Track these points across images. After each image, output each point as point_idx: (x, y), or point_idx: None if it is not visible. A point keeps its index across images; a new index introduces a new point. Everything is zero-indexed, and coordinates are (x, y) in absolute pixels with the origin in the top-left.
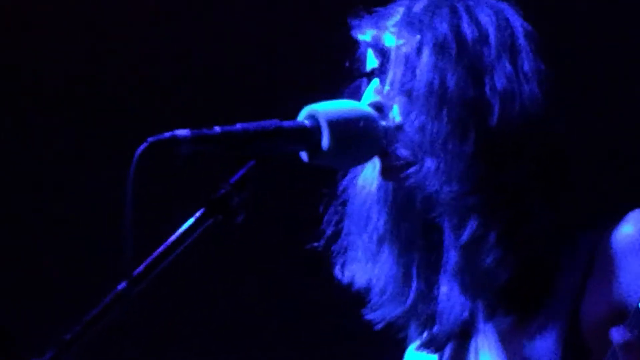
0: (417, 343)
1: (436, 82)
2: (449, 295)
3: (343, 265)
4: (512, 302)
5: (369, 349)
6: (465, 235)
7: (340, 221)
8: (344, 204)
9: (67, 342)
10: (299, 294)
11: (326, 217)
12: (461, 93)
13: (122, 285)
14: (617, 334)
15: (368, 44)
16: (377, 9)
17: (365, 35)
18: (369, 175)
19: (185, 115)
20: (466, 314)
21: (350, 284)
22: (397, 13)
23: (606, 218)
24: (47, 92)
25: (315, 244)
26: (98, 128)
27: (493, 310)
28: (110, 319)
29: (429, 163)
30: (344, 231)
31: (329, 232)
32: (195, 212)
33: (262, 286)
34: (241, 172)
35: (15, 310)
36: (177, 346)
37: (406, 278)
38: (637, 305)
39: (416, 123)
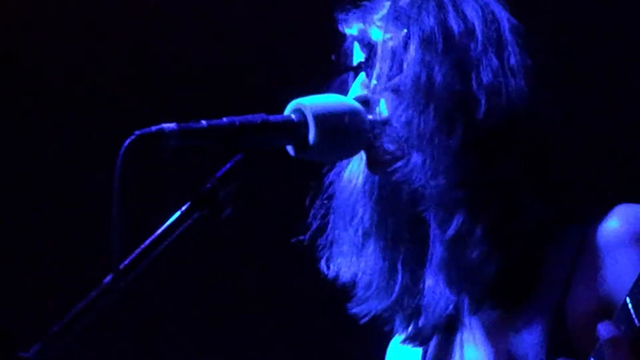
0: (401, 336)
1: (423, 76)
2: (434, 288)
3: (328, 260)
4: (498, 296)
5: (353, 343)
6: (452, 230)
7: (326, 215)
8: (330, 197)
9: (54, 335)
10: (287, 287)
11: (312, 211)
12: (448, 87)
13: (109, 278)
14: (604, 330)
15: (355, 38)
16: (363, 2)
17: (351, 29)
18: (355, 169)
19: (182, 112)
20: (451, 307)
21: (336, 278)
22: (384, 7)
23: (593, 211)
24: (43, 90)
25: (301, 238)
26: (88, 123)
27: (478, 304)
28: (96, 312)
29: (416, 157)
30: (330, 225)
31: (314, 226)
32: (182, 206)
33: (250, 280)
34: (228, 165)
35: (1, 304)
36: (164, 340)
37: (392, 272)
38: (625, 300)
39: (403, 118)
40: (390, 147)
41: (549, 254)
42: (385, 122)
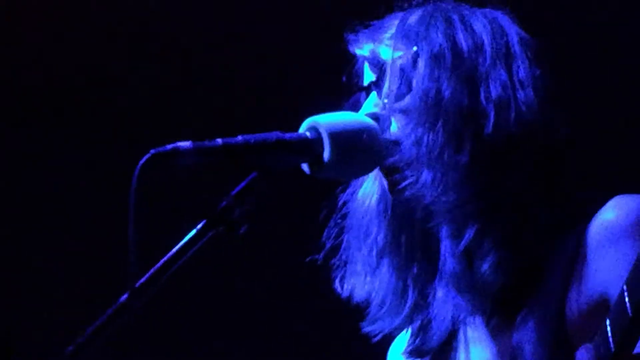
0: (402, 343)
1: (431, 93)
2: (445, 300)
3: (342, 279)
4: (505, 299)
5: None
6: (463, 243)
7: (339, 235)
8: (343, 217)
9: (70, 354)
10: (301, 305)
11: (326, 231)
12: (456, 103)
13: (125, 296)
14: (581, 355)
15: (365, 58)
16: (373, 22)
17: (362, 49)
18: (369, 189)
19: (191, 124)
20: (461, 316)
21: (350, 297)
22: (393, 26)
23: (592, 211)
24: (59, 106)
25: (315, 257)
26: (104, 137)
27: (487, 312)
28: (113, 330)
29: (426, 175)
30: (344, 245)
31: (328, 245)
32: (198, 223)
33: (264, 297)
34: (243, 183)
35: (19, 320)
36: (180, 358)
37: (403, 290)
38: (621, 290)
39: (412, 136)
40: (402, 165)
41: (552, 257)
42: (396, 142)
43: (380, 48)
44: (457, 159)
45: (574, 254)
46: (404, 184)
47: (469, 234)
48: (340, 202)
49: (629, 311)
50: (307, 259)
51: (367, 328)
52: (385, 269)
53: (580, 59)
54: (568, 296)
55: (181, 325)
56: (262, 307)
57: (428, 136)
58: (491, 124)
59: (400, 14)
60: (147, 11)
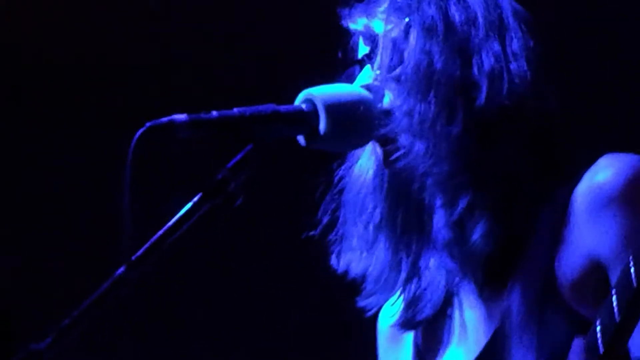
0: (391, 313)
1: (423, 64)
2: (437, 269)
3: (338, 254)
4: (496, 267)
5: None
6: (456, 214)
7: (336, 210)
8: (340, 192)
9: (67, 327)
10: (296, 280)
11: (322, 206)
12: (448, 74)
13: (121, 269)
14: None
15: (359, 32)
16: None
17: (355, 23)
18: (364, 164)
19: (192, 103)
20: (454, 281)
21: (346, 273)
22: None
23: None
24: (51, 81)
25: (312, 233)
26: (99, 114)
27: (478, 279)
28: (109, 303)
29: (419, 145)
30: (340, 220)
31: (325, 220)
32: (193, 196)
33: (259, 271)
34: (238, 156)
35: (15, 295)
36: (175, 332)
37: (398, 263)
38: (610, 294)
39: (404, 106)
40: (396, 135)
41: (539, 221)
42: (389, 112)
43: (374, 22)
44: (449, 129)
45: (562, 216)
46: (396, 154)
47: (461, 204)
48: (337, 178)
49: (634, 282)
50: (303, 235)
51: (362, 302)
52: (381, 243)
53: (577, 37)
54: (557, 258)
55: (177, 302)
56: (258, 284)
57: (420, 106)
58: (483, 95)
59: None
60: (145, 8)
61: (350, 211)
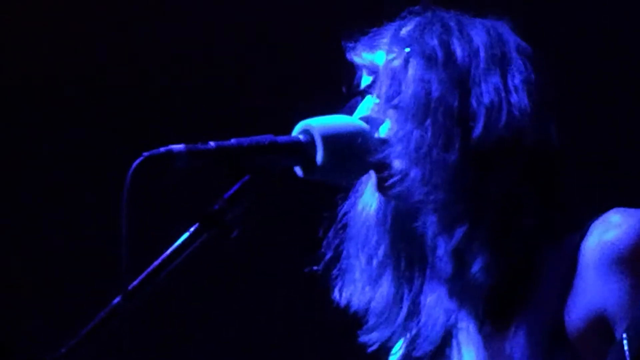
0: (397, 355)
1: (421, 92)
2: (436, 303)
3: (341, 288)
4: (497, 304)
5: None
6: (452, 243)
7: (339, 245)
8: (344, 227)
9: (63, 356)
10: (295, 310)
11: (326, 241)
12: (446, 103)
13: (117, 299)
14: None
15: (362, 65)
16: (371, 30)
17: (359, 57)
18: (368, 198)
19: (183, 124)
20: (452, 319)
21: (347, 306)
22: (390, 32)
23: (587, 219)
24: (54, 106)
25: (315, 268)
26: (94, 139)
27: (479, 314)
28: (105, 332)
29: (414, 171)
30: (343, 254)
31: (328, 255)
32: (190, 226)
33: (257, 301)
34: (235, 187)
35: (11, 323)
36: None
37: (400, 298)
38: (621, 338)
39: (401, 133)
40: (393, 164)
41: (546, 263)
42: (387, 140)
43: (377, 53)
44: (445, 157)
45: (572, 266)
46: (391, 180)
47: (458, 234)
48: (340, 213)
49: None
50: (306, 270)
51: (364, 337)
52: (384, 278)
53: (580, 68)
54: (566, 306)
55: (172, 330)
56: (255, 312)
57: (416, 133)
58: (481, 125)
59: (399, 21)
60: (145, 10)
61: (353, 245)
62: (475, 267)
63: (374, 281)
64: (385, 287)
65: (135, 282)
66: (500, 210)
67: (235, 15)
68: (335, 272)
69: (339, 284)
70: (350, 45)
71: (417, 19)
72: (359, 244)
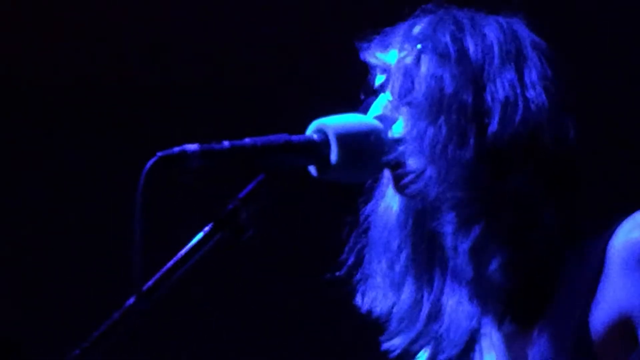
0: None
1: (434, 89)
2: (457, 307)
3: (363, 293)
4: (519, 307)
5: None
6: (469, 241)
7: (361, 249)
8: (365, 231)
9: (77, 357)
10: (308, 309)
11: (348, 245)
12: (460, 100)
13: (132, 300)
14: None
15: (376, 64)
16: (384, 29)
17: (372, 56)
18: (389, 201)
19: (196, 125)
20: (474, 323)
21: (369, 312)
22: (402, 30)
23: (615, 223)
24: (66, 108)
25: (337, 273)
26: (109, 140)
27: (500, 316)
28: (119, 334)
29: (430, 169)
30: (365, 259)
31: (350, 260)
32: (204, 227)
33: (272, 300)
34: (250, 186)
35: (25, 325)
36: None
37: (420, 301)
38: None
39: (415, 131)
40: (408, 162)
41: (569, 266)
42: (399, 140)
43: (389, 53)
44: (460, 154)
45: (598, 269)
46: (407, 179)
47: (475, 232)
48: (362, 217)
49: None
50: (328, 276)
51: (387, 344)
52: (406, 283)
53: (597, 66)
54: (592, 311)
55: (187, 331)
56: (269, 311)
57: (430, 130)
58: (496, 121)
59: (412, 20)
60: (151, 11)
61: (375, 250)
62: (493, 267)
63: (397, 286)
64: (407, 292)
65: (149, 283)
66: (518, 209)
67: (247, 14)
68: (357, 277)
69: (361, 290)
70: (364, 45)
71: (430, 17)
72: (381, 249)
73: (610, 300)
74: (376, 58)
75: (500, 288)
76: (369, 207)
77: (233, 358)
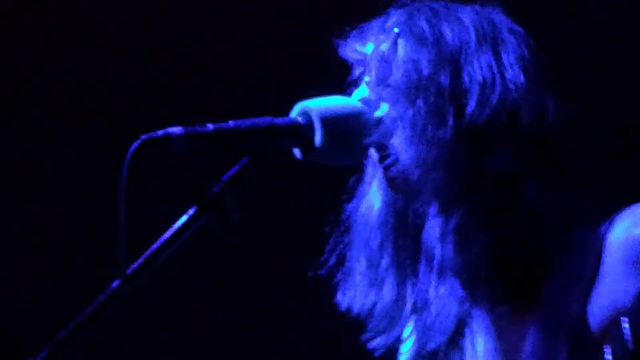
0: (407, 352)
1: (411, 71)
2: (444, 295)
3: (343, 292)
4: (509, 290)
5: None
6: (453, 223)
7: (343, 248)
8: (347, 230)
9: (62, 341)
10: (292, 294)
11: (329, 244)
12: (437, 81)
13: (116, 283)
14: None
15: (354, 59)
16: (361, 25)
17: (350, 51)
18: (371, 199)
19: (181, 111)
20: (465, 307)
21: (349, 310)
22: (379, 22)
23: (608, 214)
24: (49, 92)
25: (318, 272)
26: (92, 123)
27: (490, 300)
28: (104, 317)
29: (411, 151)
30: (346, 257)
31: (331, 259)
32: (189, 209)
33: (255, 285)
34: (234, 169)
35: (11, 309)
36: (169, 346)
37: (403, 296)
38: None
39: (394, 112)
40: (388, 143)
41: (565, 254)
42: (382, 121)
43: (367, 45)
44: (439, 134)
45: (596, 261)
46: (389, 160)
47: (458, 213)
48: (344, 215)
49: (630, 344)
50: (310, 274)
51: (371, 343)
52: (388, 281)
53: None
54: (589, 303)
55: (172, 313)
56: (253, 295)
57: (409, 112)
58: (474, 102)
59: (387, 13)
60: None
61: (355, 248)
62: (478, 248)
63: (377, 284)
64: (389, 290)
65: (133, 266)
66: (498, 187)
67: (229, 6)
68: (338, 275)
69: (341, 288)
70: (341, 41)
71: (405, 8)
72: (361, 247)
73: (608, 294)
74: (355, 52)
75: (488, 270)
76: (350, 205)
77: (219, 352)
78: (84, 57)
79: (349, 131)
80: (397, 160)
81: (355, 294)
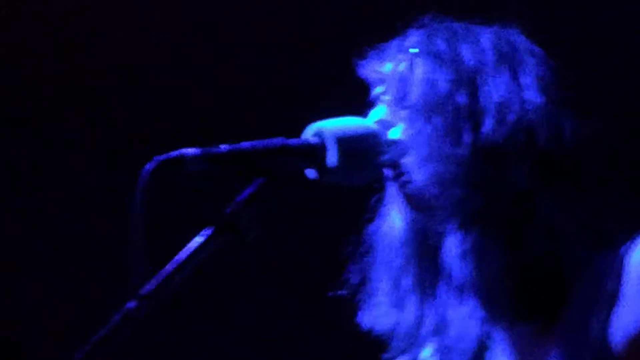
0: None
1: (429, 91)
2: (464, 316)
3: (365, 312)
4: (529, 310)
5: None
6: (469, 242)
7: (364, 268)
8: (369, 250)
9: None
10: (308, 313)
11: (350, 265)
12: (454, 100)
13: (131, 304)
14: None
15: (373, 78)
16: (379, 44)
17: (369, 71)
18: (393, 219)
19: (194, 127)
20: (484, 329)
21: (370, 330)
22: (397, 41)
23: (629, 235)
24: (67, 111)
25: (340, 292)
26: (109, 143)
27: (510, 320)
28: (119, 338)
29: (427, 169)
30: (368, 278)
31: (353, 279)
32: (203, 231)
33: (271, 304)
34: (248, 190)
35: (26, 329)
36: None
37: (424, 316)
38: None
39: (411, 131)
40: (404, 162)
41: (585, 276)
42: (397, 141)
43: (385, 65)
44: (456, 152)
45: (617, 282)
46: (405, 178)
47: (475, 231)
48: (366, 235)
49: None
50: (330, 294)
51: None
52: (410, 301)
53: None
54: (611, 324)
55: (188, 333)
56: (268, 314)
57: (425, 130)
58: (491, 121)
59: (405, 34)
60: (148, 13)
61: (378, 268)
62: (494, 267)
63: (400, 304)
64: (410, 310)
65: (148, 287)
66: (515, 208)
67: (244, 16)
68: (359, 296)
69: (363, 308)
70: (360, 61)
71: (424, 28)
72: (383, 267)
73: (629, 316)
74: (374, 72)
75: (508, 289)
76: (372, 226)
77: None
78: (110, 69)
79: (363, 151)
80: (412, 178)
81: (378, 314)
